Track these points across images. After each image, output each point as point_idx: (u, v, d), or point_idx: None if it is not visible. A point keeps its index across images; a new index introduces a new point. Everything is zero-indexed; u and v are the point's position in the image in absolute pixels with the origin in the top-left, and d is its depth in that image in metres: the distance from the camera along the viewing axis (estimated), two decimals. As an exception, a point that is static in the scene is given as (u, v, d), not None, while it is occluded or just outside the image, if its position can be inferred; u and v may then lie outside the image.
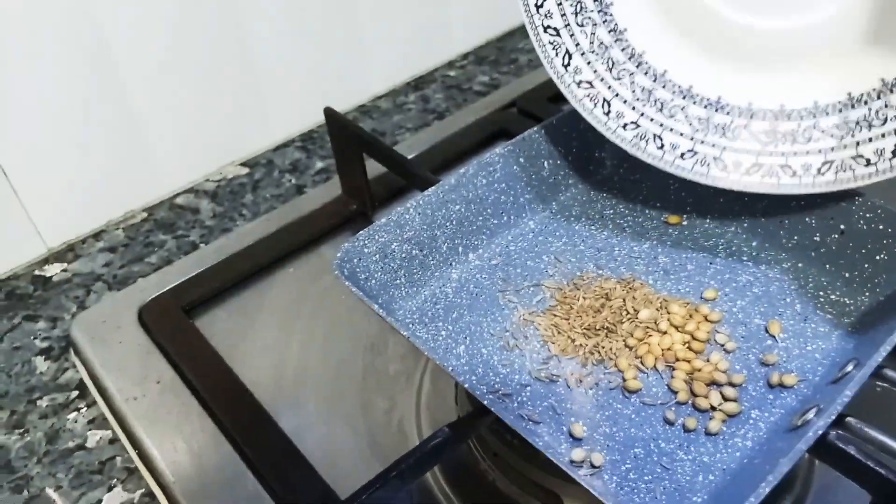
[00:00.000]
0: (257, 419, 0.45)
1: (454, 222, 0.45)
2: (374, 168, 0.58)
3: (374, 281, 0.42)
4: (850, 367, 0.35)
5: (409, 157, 0.64)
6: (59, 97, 0.58)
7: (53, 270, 0.62)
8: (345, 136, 0.56)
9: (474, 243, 0.46)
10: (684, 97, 0.43)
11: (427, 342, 0.41)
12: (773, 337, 0.39)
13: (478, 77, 0.81)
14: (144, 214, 0.67)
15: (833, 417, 0.31)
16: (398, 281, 0.43)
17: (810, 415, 0.33)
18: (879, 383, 0.34)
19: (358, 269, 0.41)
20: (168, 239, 0.64)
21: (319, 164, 0.71)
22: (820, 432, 0.30)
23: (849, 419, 0.32)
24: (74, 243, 0.65)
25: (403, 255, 0.43)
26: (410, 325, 0.42)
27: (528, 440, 0.31)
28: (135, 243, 0.64)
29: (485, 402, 0.33)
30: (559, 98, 0.70)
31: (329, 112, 0.56)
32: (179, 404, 0.48)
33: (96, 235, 0.65)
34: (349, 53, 0.75)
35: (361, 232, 0.41)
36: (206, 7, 0.62)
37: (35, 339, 0.57)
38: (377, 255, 0.42)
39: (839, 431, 0.32)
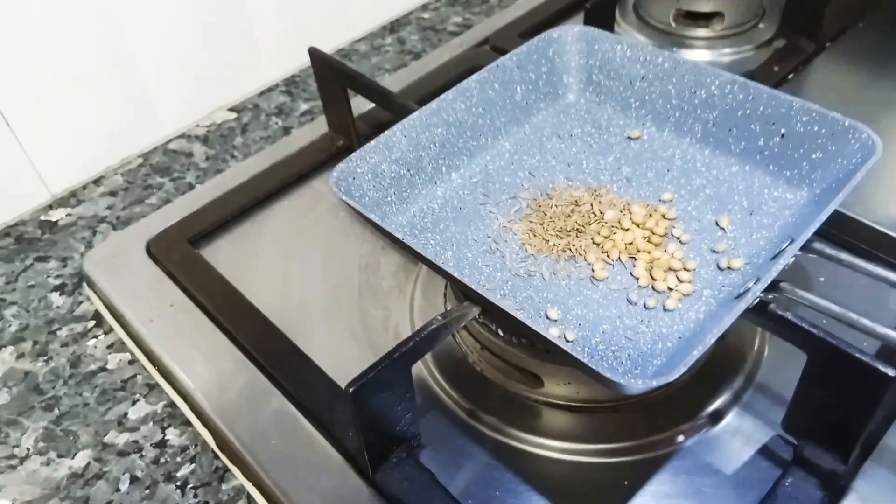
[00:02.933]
0: (266, 330, 0.50)
1: (437, 144, 0.49)
2: (357, 107, 0.62)
3: (367, 198, 0.46)
4: (785, 245, 0.40)
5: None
6: (60, 49, 0.61)
7: (58, 215, 0.66)
8: (329, 73, 0.60)
9: (456, 163, 0.50)
10: None
11: (425, 248, 0.45)
12: (723, 229, 0.45)
13: (451, 18, 0.85)
14: (140, 160, 0.70)
15: (767, 283, 0.36)
16: (389, 198, 0.47)
17: (750, 284, 0.38)
18: (811, 255, 0.40)
19: (353, 188, 0.45)
20: (165, 181, 0.68)
21: (304, 107, 0.74)
22: (758, 293, 0.35)
23: (782, 284, 0.38)
24: (76, 189, 0.68)
25: (393, 175, 0.47)
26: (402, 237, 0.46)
27: (513, 315, 0.36)
28: (134, 186, 0.68)
29: (472, 287, 0.37)
30: (530, 34, 0.75)
31: (313, 51, 0.60)
32: (193, 323, 0.52)
33: (96, 181, 0.69)
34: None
35: (354, 153, 0.46)
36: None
37: (48, 277, 0.61)
38: (369, 175, 0.46)
39: (775, 295, 0.37)
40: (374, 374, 0.37)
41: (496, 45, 0.73)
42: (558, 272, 0.43)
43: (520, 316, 0.35)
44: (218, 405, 0.47)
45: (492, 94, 0.51)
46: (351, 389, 0.36)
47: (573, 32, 0.53)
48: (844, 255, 0.39)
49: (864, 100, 0.65)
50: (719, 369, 0.46)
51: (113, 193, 0.68)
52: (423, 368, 0.48)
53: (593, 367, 0.33)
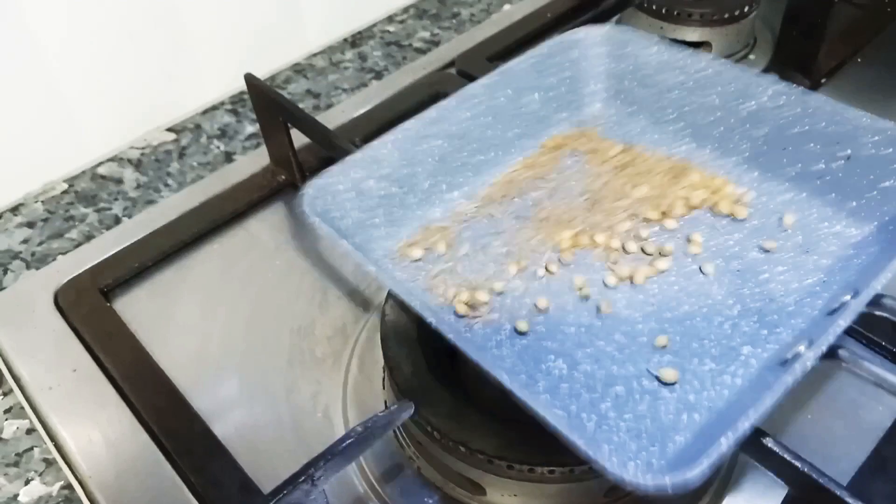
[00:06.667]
0: (175, 407, 0.44)
1: (435, 158, 0.42)
2: (303, 137, 0.55)
3: (349, 220, 0.40)
4: (847, 298, 0.33)
5: (344, 121, 0.62)
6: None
7: (-32, 248, 0.59)
8: (267, 105, 0.53)
9: (458, 181, 0.44)
10: None
11: (404, 283, 0.38)
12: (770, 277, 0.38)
13: (418, 33, 0.78)
14: (65, 186, 0.64)
15: (823, 349, 0.29)
16: (376, 219, 0.41)
17: (801, 347, 0.31)
18: (879, 313, 0.33)
19: (331, 207, 0.39)
20: (89, 212, 0.61)
21: (250, 129, 0.68)
22: (809, 364, 0.29)
23: (841, 351, 0.31)
24: (-9, 219, 0.61)
25: (381, 193, 0.41)
26: (389, 267, 0.40)
27: (496, 376, 0.30)
28: (55, 217, 0.61)
29: (452, 338, 0.32)
30: (499, 57, 0.68)
31: (250, 79, 0.53)
32: (96, 393, 0.46)
33: (14, 209, 0.62)
34: (282, 6, 0.71)
35: (333, 167, 0.40)
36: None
37: (-52, 322, 0.54)
38: (353, 192, 0.40)
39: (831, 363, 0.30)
40: (274, 501, 0.31)
41: (462, 70, 0.67)
42: (567, 310, 0.37)
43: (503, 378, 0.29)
44: (115, 499, 0.41)
45: (503, 100, 0.44)
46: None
47: (600, 33, 0.46)
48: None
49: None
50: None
51: (31, 225, 0.61)
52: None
53: (598, 459, 0.27)
